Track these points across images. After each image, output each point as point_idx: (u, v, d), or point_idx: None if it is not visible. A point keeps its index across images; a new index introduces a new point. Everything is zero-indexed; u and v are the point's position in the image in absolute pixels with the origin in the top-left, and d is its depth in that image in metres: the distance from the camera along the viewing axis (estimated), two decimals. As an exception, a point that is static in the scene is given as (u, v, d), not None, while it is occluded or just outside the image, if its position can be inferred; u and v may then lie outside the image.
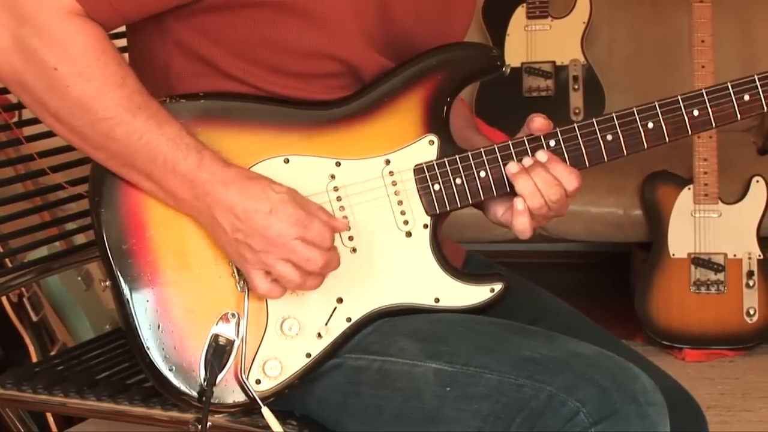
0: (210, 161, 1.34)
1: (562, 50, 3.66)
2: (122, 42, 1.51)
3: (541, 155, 1.40)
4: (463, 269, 1.55)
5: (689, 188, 3.22)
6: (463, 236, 2.74)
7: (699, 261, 3.23)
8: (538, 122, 1.43)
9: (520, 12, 3.68)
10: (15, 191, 1.99)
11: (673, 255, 3.24)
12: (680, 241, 3.23)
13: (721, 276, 3.21)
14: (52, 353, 2.62)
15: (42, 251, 2.06)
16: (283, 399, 1.42)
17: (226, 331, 1.38)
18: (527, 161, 1.41)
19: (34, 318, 2.68)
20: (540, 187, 1.39)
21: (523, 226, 1.42)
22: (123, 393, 1.64)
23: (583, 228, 3.40)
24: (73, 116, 1.33)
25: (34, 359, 2.61)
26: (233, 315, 1.38)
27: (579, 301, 1.63)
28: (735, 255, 3.22)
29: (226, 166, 1.35)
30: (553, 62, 3.67)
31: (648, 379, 1.32)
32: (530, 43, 3.67)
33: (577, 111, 3.59)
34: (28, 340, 2.64)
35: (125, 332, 1.40)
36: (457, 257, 1.61)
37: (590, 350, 1.34)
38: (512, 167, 1.41)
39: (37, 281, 2.67)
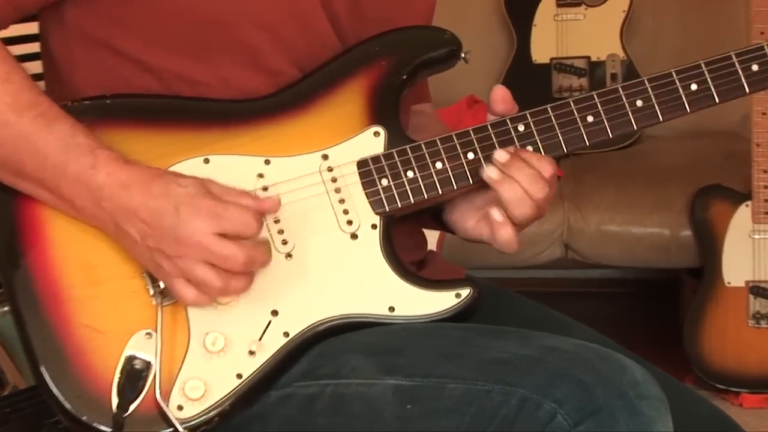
0: (106, 161, 1.36)
1: (598, 43, 3.64)
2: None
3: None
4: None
5: (747, 205, 3.20)
6: (480, 261, 2.82)
7: (758, 290, 3.20)
8: (498, 93, 1.45)
9: (549, -1, 3.67)
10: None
11: (729, 283, 3.22)
12: (736, 267, 3.21)
13: (784, 308, 3.22)
14: (2, 395, 2.57)
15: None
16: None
17: (142, 352, 1.38)
18: (501, 157, 1.42)
19: (-18, 358, 2.79)
20: (527, 189, 1.41)
21: (508, 237, 1.43)
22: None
23: (622, 252, 3.39)
24: None
25: (-18, 402, 2.76)
26: (149, 334, 1.39)
27: (618, 337, 1.59)
28: (801, 283, 3.22)
29: (125, 165, 1.37)
30: (588, 57, 3.65)
31: (640, 370, 1.32)
32: (561, 35, 3.66)
33: (615, 114, 3.56)
34: (-26, 383, 2.75)
35: (27, 361, 1.40)
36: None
37: (569, 344, 1.35)
38: (492, 173, 1.43)
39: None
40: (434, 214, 1.53)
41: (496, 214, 1.43)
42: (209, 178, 1.37)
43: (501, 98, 1.45)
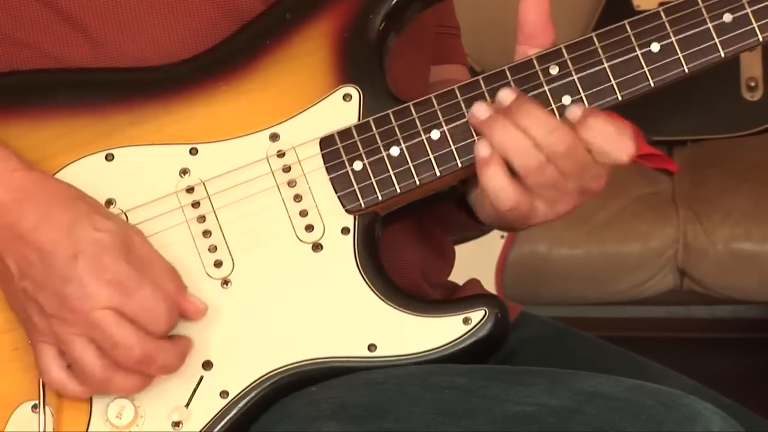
0: None
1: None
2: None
3: (574, 110, 1.35)
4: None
5: None
6: (556, 294, 2.94)
7: None
8: (531, 9, 1.35)
9: None
10: None
11: None
12: None
13: None
14: None
15: None
16: None
17: (26, 430, 1.35)
18: (506, 96, 1.35)
19: None
20: (534, 134, 1.33)
21: (496, 183, 1.34)
22: None
23: (763, 281, 3.26)
24: None
25: None
26: (36, 406, 1.34)
27: (757, 403, 1.53)
28: None
29: (21, 169, 1.33)
30: (716, 2, 3.64)
31: (721, 418, 1.22)
32: (676, -32, 3.72)
33: (752, 84, 3.50)
34: None
35: None
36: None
37: (618, 386, 1.28)
38: (479, 110, 1.36)
39: None
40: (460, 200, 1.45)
41: (482, 148, 1.35)
42: (139, 231, 1.34)
43: (534, 5, 1.39)
